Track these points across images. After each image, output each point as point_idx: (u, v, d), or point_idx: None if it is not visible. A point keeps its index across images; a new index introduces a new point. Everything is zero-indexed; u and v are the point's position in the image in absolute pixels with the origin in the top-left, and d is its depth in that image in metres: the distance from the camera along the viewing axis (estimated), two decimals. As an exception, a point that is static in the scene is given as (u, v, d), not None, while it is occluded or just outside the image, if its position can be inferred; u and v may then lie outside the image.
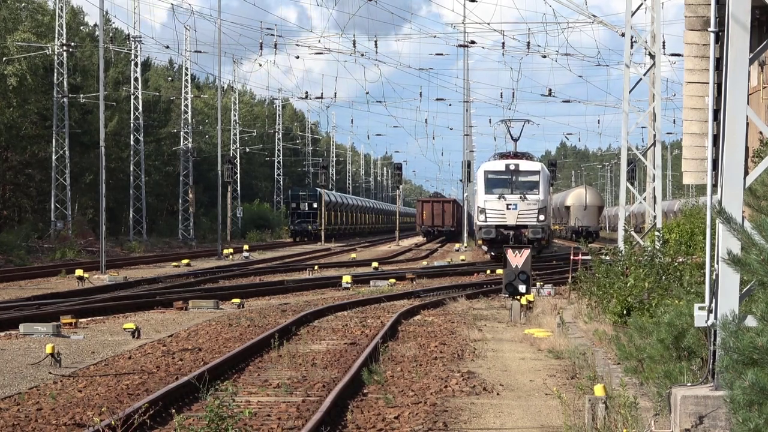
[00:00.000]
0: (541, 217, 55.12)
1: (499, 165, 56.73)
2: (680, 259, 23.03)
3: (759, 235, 9.68)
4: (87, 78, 75.77)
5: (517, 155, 58.52)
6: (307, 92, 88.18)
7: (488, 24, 65.10)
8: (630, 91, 30.13)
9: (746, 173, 11.05)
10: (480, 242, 61.47)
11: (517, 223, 54.90)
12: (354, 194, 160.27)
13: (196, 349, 21.22)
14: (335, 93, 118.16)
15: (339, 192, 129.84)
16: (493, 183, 55.84)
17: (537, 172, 55.88)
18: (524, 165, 56.35)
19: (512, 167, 55.99)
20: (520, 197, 55.04)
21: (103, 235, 48.78)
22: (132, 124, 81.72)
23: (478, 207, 56.42)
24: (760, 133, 25.45)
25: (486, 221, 55.24)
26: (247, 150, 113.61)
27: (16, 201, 75.07)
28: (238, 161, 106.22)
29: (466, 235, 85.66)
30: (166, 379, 17.40)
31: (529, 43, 62.36)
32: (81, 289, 35.80)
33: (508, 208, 55.00)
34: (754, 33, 11.19)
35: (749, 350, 9.16)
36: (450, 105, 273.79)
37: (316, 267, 49.83)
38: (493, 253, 56.87)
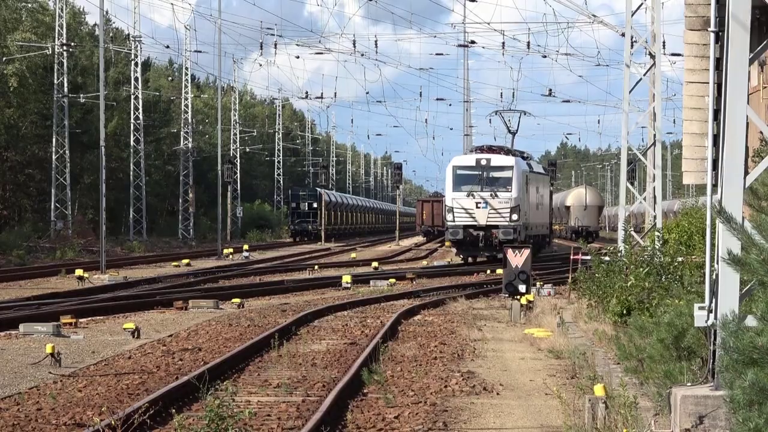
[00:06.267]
0: (514, 217, 50.38)
1: (469, 160, 52.30)
2: (680, 259, 23.02)
3: (759, 235, 9.68)
4: (87, 78, 75.79)
5: (491, 149, 53.92)
6: (307, 92, 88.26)
7: (488, 24, 65.06)
8: (630, 91, 30.10)
9: (746, 173, 11.06)
10: (448, 244, 57.50)
11: (488, 223, 50.36)
12: (354, 194, 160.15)
13: (196, 349, 21.22)
14: (335, 93, 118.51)
15: (339, 192, 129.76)
16: (462, 179, 51.13)
17: (510, 168, 51.03)
18: (496, 160, 51.45)
19: (483, 162, 51.20)
20: (491, 195, 50.52)
21: (103, 234, 48.79)
22: (132, 124, 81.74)
23: (446, 205, 52.07)
24: (761, 133, 25.46)
25: (454, 221, 50.71)
26: (247, 150, 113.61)
27: (16, 201, 75.07)
28: (238, 161, 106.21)
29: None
30: (166, 379, 17.39)
31: (529, 43, 62.42)
32: (81, 289, 35.78)
33: (477, 207, 50.48)
34: (754, 33, 11.18)
35: (749, 350, 9.16)
36: (450, 105, 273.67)
37: (316, 267, 49.80)
38: (462, 256, 53.19)
